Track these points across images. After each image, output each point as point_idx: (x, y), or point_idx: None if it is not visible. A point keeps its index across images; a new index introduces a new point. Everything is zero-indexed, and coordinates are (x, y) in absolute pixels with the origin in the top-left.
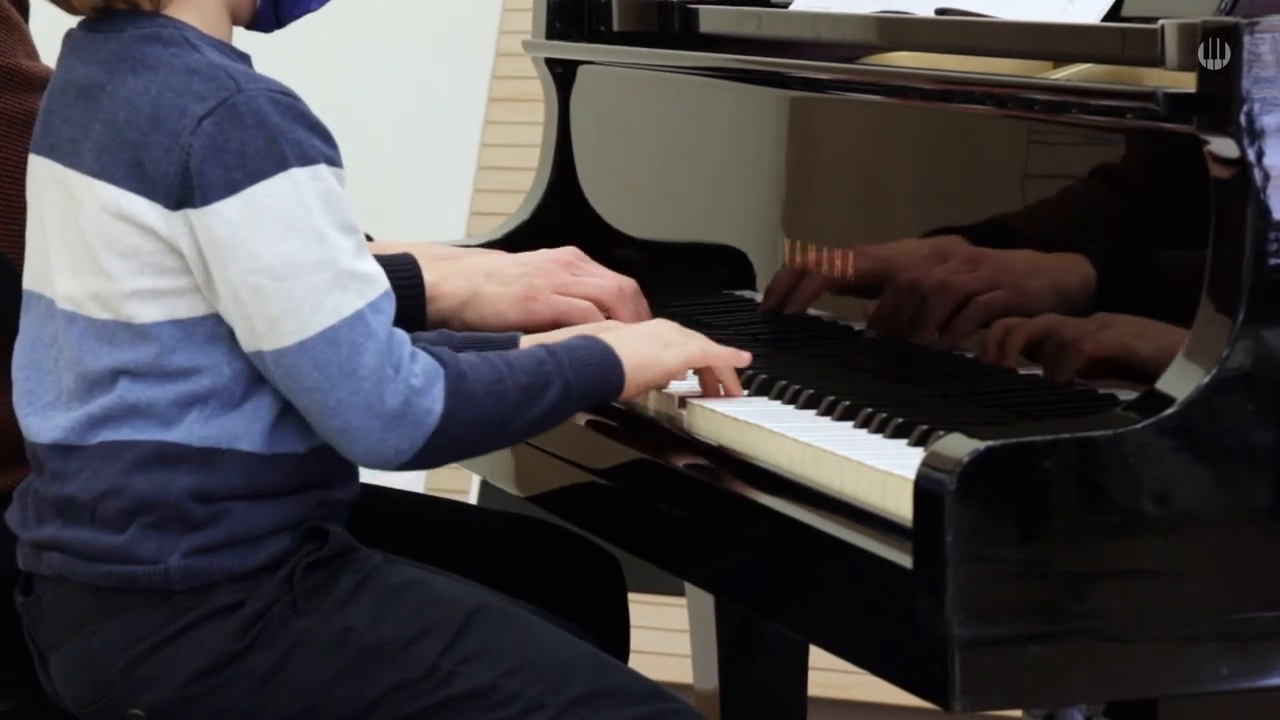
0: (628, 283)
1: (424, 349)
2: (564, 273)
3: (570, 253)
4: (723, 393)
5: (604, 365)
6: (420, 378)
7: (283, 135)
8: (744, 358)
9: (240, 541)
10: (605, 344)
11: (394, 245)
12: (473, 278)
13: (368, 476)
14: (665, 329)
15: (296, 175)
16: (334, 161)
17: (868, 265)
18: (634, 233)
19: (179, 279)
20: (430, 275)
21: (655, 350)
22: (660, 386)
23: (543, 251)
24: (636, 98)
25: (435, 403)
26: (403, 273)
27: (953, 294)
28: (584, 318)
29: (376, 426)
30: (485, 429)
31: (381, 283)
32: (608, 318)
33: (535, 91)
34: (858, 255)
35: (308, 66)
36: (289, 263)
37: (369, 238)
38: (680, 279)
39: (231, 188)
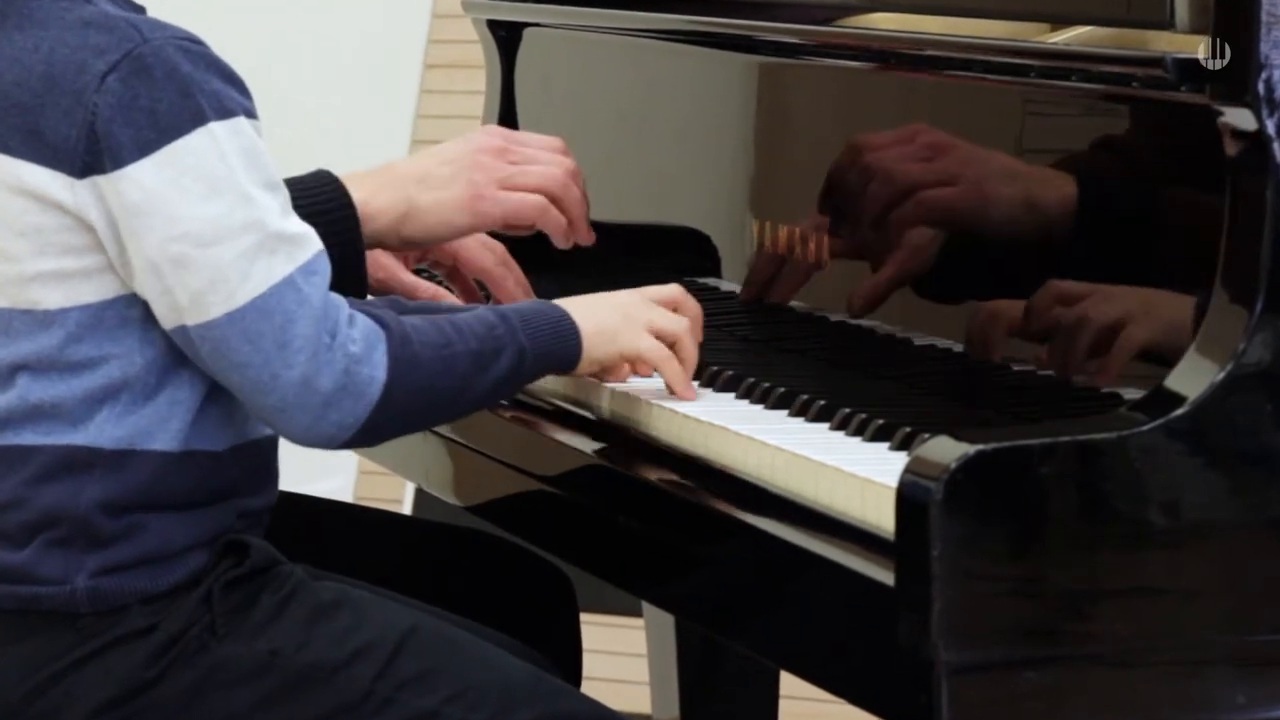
0: (570, 161)
1: (364, 311)
2: (501, 163)
3: (498, 134)
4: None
5: (559, 332)
6: (359, 343)
7: (197, 87)
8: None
9: (154, 559)
10: (560, 309)
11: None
12: (403, 187)
13: (290, 484)
14: (626, 301)
15: (216, 130)
16: (251, 113)
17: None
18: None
19: (87, 258)
20: (357, 193)
21: (616, 324)
22: (613, 371)
23: (464, 140)
24: (588, 64)
25: (377, 370)
26: (327, 194)
27: (928, 206)
28: (538, 215)
29: (316, 403)
30: (434, 397)
31: (313, 243)
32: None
33: (476, 57)
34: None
35: (222, 27)
36: (214, 227)
37: None
38: (638, 265)
39: (144, 148)
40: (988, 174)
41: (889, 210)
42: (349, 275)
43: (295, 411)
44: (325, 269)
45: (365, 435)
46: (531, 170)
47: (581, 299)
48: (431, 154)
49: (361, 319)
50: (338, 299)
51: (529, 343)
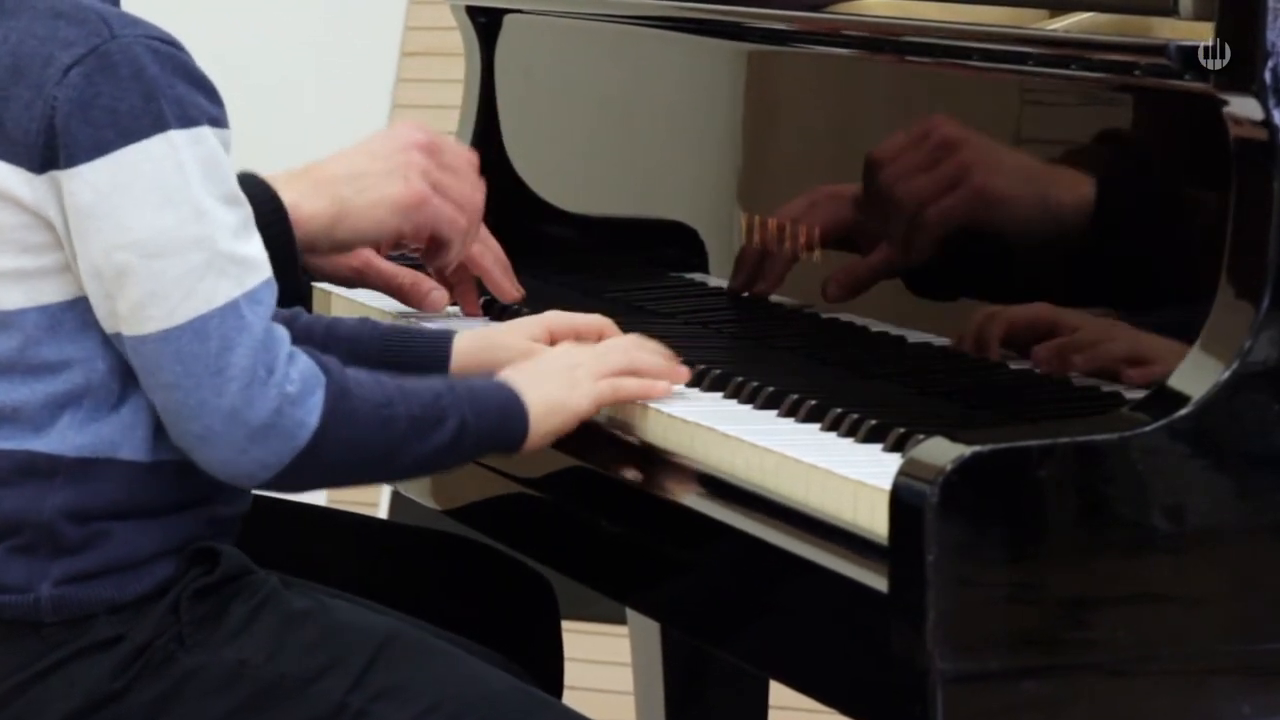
0: (482, 184)
1: (307, 353)
2: (433, 164)
3: (422, 130)
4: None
5: (506, 412)
6: (296, 384)
7: (161, 91)
8: (680, 372)
9: (121, 568)
10: (511, 389)
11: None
12: (334, 188)
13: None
14: (571, 360)
15: (175, 138)
16: (218, 122)
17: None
18: (568, 207)
19: (45, 257)
20: (287, 195)
21: (563, 393)
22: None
23: (390, 136)
24: (570, 52)
25: (310, 415)
26: (258, 198)
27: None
28: (458, 236)
29: (240, 436)
30: (366, 455)
31: (263, 269)
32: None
33: (454, 44)
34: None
35: (196, 15)
36: (162, 239)
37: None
38: (621, 260)
39: (100, 149)
40: (993, 172)
41: (889, 223)
42: (285, 284)
43: (218, 442)
44: (271, 299)
45: (286, 480)
46: (462, 186)
47: (525, 368)
48: (358, 150)
49: (303, 359)
50: (281, 333)
51: (473, 418)
